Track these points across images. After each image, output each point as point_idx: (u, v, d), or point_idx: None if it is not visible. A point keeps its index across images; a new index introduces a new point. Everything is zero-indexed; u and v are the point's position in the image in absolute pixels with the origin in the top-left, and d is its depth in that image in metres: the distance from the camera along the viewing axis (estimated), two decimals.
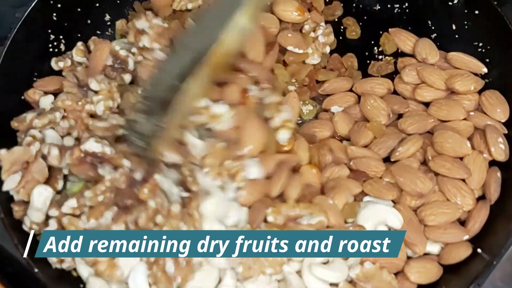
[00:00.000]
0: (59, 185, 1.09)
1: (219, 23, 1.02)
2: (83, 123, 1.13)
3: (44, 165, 1.07)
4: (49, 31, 1.23)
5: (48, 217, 1.04)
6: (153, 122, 1.03)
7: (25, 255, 0.99)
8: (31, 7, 1.17)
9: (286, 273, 1.01)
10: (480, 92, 1.17)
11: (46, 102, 1.15)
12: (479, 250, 1.02)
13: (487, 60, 1.20)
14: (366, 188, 1.09)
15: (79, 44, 1.23)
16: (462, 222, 1.07)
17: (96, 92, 1.16)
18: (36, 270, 0.97)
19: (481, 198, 1.08)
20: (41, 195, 1.05)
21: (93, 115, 1.15)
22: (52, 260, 1.02)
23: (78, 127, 1.13)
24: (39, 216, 1.04)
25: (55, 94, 1.18)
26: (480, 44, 1.22)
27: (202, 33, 1.06)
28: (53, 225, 1.03)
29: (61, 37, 1.25)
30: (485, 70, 1.20)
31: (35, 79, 1.20)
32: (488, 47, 1.21)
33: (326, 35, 1.28)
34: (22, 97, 1.18)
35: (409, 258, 1.04)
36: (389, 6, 1.34)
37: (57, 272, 1.03)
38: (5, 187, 1.05)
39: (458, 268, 1.02)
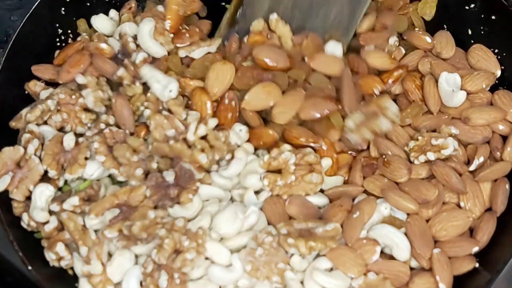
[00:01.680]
0: (61, 182, 1.07)
1: None
2: (76, 117, 1.11)
3: (37, 162, 1.05)
4: (57, 25, 1.21)
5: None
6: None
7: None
8: (38, 1, 1.16)
9: (288, 279, 0.99)
10: (491, 90, 1.15)
11: (47, 95, 1.13)
12: (477, 265, 1.00)
13: (503, 67, 1.17)
14: (368, 186, 1.08)
15: (84, 35, 1.22)
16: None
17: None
18: (29, 267, 0.96)
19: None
20: (43, 194, 1.04)
21: (86, 109, 1.12)
22: (51, 257, 1.01)
23: (72, 120, 1.11)
24: (43, 216, 1.02)
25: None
26: (496, 51, 1.18)
27: None
28: (53, 222, 1.02)
29: (69, 31, 1.23)
30: (498, 72, 1.17)
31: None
32: (504, 54, 1.18)
33: None
34: (27, 92, 1.17)
35: (411, 269, 1.02)
36: None
37: (52, 271, 1.01)
38: None
39: (459, 282, 1.00)
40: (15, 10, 1.24)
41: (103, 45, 1.16)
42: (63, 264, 1.01)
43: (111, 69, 1.14)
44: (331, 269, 1.01)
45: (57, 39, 1.22)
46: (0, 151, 1.06)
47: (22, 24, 1.14)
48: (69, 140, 1.07)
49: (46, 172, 1.06)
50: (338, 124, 1.11)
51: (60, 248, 1.00)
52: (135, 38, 1.18)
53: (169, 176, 1.03)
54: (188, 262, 0.96)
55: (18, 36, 1.13)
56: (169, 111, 1.10)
